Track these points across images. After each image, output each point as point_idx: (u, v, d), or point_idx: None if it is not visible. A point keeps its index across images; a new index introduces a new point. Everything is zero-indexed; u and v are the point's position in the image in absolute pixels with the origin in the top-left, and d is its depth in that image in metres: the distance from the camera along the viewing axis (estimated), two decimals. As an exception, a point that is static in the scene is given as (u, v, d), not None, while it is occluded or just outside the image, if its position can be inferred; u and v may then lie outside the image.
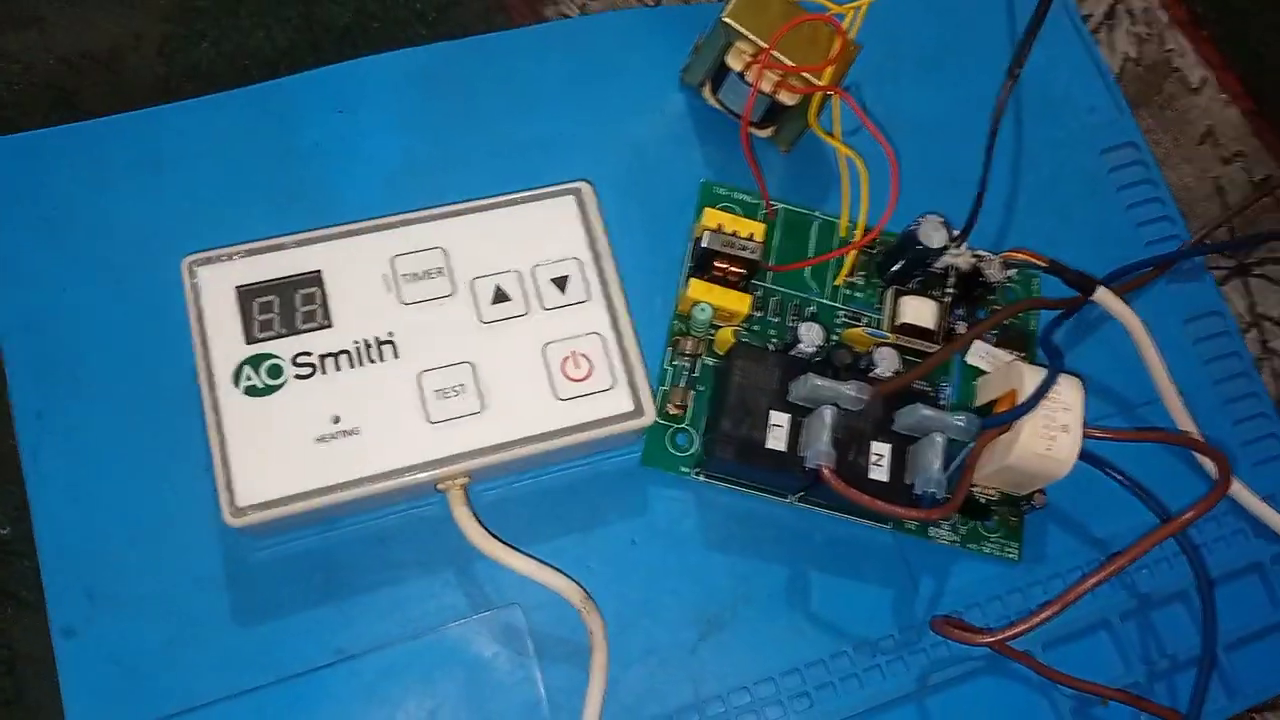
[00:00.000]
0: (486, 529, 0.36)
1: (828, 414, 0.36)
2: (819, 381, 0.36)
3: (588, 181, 0.40)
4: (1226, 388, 0.45)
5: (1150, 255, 0.45)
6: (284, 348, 0.36)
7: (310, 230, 0.38)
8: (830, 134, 0.43)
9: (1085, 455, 0.39)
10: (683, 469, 0.39)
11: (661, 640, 0.37)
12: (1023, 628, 0.36)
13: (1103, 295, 0.42)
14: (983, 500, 0.40)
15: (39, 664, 0.35)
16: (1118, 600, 0.41)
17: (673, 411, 0.39)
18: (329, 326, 0.36)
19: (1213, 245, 0.48)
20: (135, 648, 0.35)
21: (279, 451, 0.35)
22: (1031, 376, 0.38)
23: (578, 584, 0.36)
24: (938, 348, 0.41)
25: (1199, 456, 0.43)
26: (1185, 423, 0.43)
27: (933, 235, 0.40)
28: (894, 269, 0.42)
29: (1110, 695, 0.38)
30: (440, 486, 0.36)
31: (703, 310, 0.39)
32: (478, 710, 0.36)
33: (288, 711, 0.35)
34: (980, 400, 0.41)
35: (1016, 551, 0.40)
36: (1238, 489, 0.42)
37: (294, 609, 0.36)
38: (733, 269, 0.40)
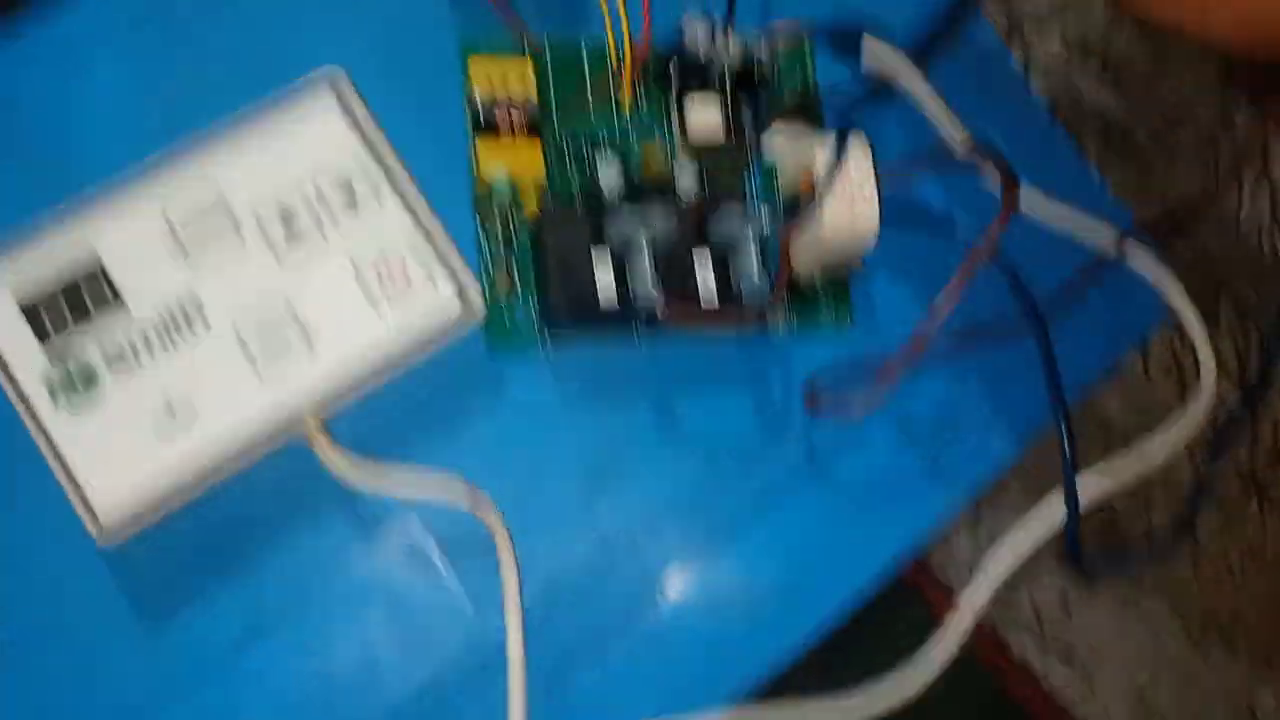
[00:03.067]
0: (356, 460, 0.36)
1: (645, 251, 0.37)
2: (627, 221, 0.37)
3: (339, 67, 0.37)
4: (999, 99, 0.47)
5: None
6: (89, 350, 0.34)
7: (69, 207, 0.35)
8: (572, -43, 0.41)
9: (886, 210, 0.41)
10: (528, 342, 0.39)
11: (555, 506, 0.39)
12: (882, 386, 0.38)
13: (870, 44, 0.42)
14: (805, 283, 0.42)
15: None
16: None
17: (502, 291, 0.39)
18: (126, 311, 0.34)
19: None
20: (56, 686, 0.34)
21: (123, 455, 0.33)
22: (821, 150, 0.39)
23: (460, 480, 0.37)
24: (730, 145, 0.42)
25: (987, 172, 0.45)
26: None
27: (698, 33, 0.40)
28: (670, 78, 0.42)
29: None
30: (298, 434, 0.36)
31: (500, 178, 0.38)
32: (407, 628, 0.37)
33: (227, 694, 0.35)
34: (784, 184, 0.42)
35: (849, 318, 0.43)
36: (1025, 193, 0.45)
37: (197, 595, 0.36)
38: (513, 116, 0.39)
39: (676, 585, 0.39)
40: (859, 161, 0.39)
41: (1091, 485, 0.41)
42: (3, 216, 0.35)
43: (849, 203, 0.39)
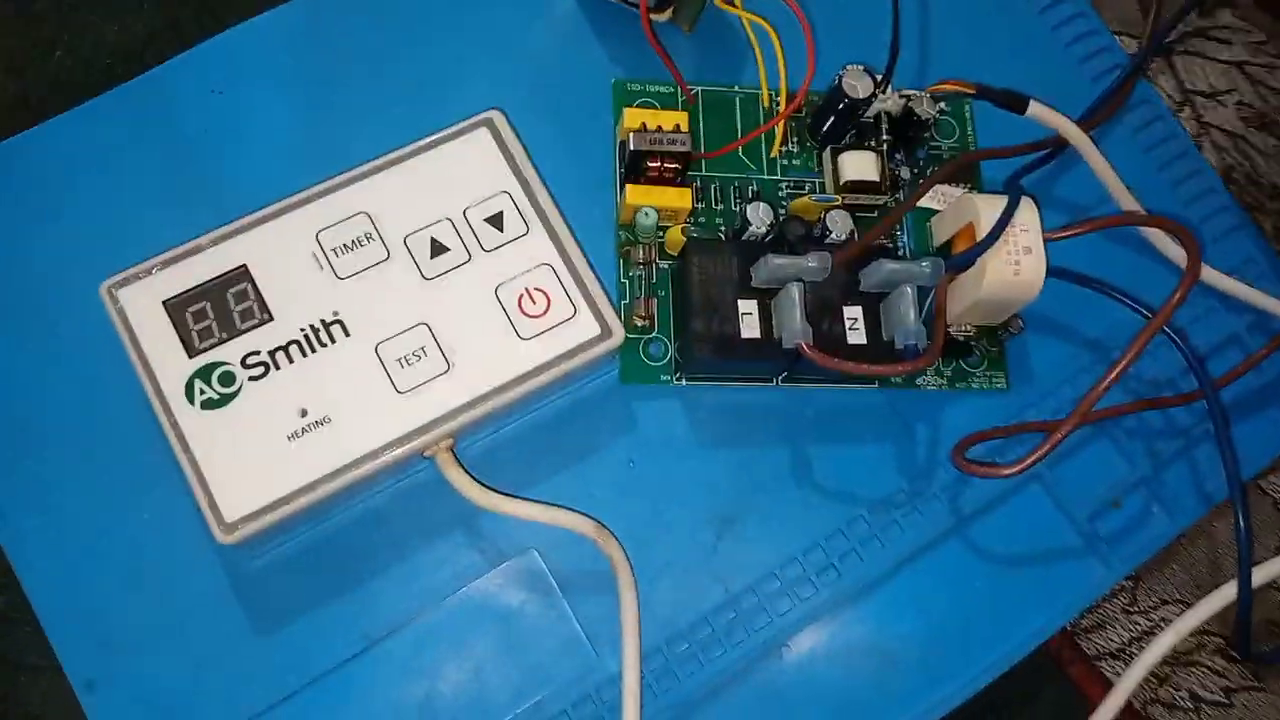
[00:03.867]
0: (483, 484, 0.35)
1: (795, 291, 0.35)
2: (779, 260, 0.35)
3: (498, 109, 0.38)
4: (1171, 171, 0.45)
5: (1080, 68, 0.45)
6: (230, 352, 0.34)
7: (224, 225, 0.36)
8: (731, 4, 0.41)
9: (1051, 270, 0.39)
10: (663, 378, 0.38)
11: (681, 549, 0.37)
12: (1044, 450, 0.36)
13: (1035, 109, 0.41)
14: (961, 338, 0.40)
15: (70, 724, 0.34)
16: (1109, 402, 0.41)
17: (639, 323, 0.38)
18: (270, 320, 0.35)
19: (1147, 50, 0.47)
20: (163, 684, 0.34)
21: (254, 458, 0.34)
22: (985, 206, 0.38)
23: (587, 515, 0.36)
24: (886, 198, 0.41)
25: (1158, 243, 0.42)
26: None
27: (858, 86, 0.39)
28: (826, 128, 0.41)
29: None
30: (427, 453, 0.35)
31: (646, 215, 0.38)
32: (520, 659, 0.35)
33: (331, 708, 0.35)
34: (938, 240, 0.41)
35: (1004, 380, 0.40)
36: (1209, 271, 0.43)
37: (310, 606, 0.36)
38: (666, 165, 0.38)
39: (803, 640, 0.37)
40: (1026, 219, 0.38)
41: (1265, 572, 0.38)
42: (163, 235, 0.36)
43: (1012, 260, 0.37)
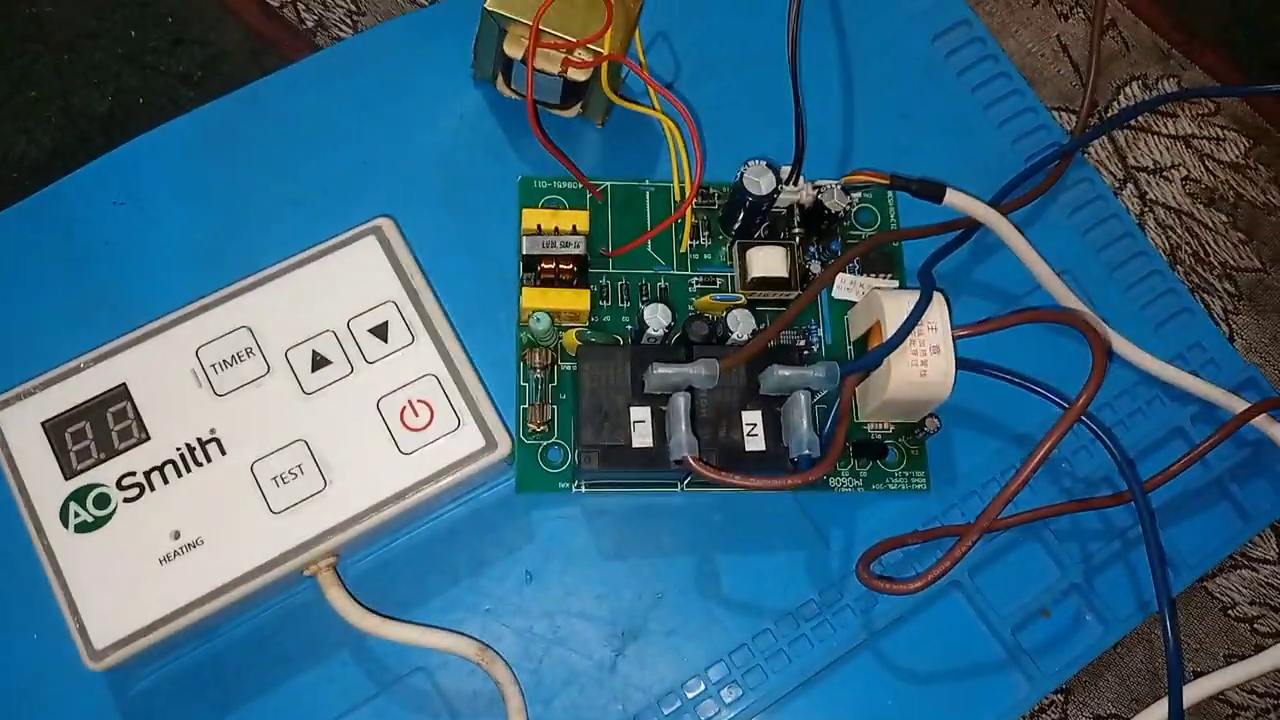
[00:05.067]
0: (364, 605, 0.34)
1: (680, 401, 0.34)
2: (664, 369, 0.34)
3: (387, 216, 0.37)
4: (1111, 253, 0.43)
5: (1017, 153, 0.43)
6: (106, 474, 0.34)
7: (109, 342, 0.35)
8: (630, 100, 0.40)
9: (967, 364, 0.38)
10: (562, 485, 0.37)
11: (578, 666, 0.36)
12: (946, 565, 0.34)
13: (953, 198, 0.39)
14: (877, 437, 0.39)
15: None
16: (1036, 503, 0.39)
17: (536, 429, 0.37)
18: (147, 440, 0.34)
19: (1088, 135, 0.44)
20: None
21: (125, 583, 0.33)
22: (891, 304, 0.36)
23: (469, 637, 0.35)
24: (796, 293, 0.39)
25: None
26: (1070, 301, 0.41)
27: (759, 182, 0.38)
28: (736, 223, 0.40)
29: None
30: (307, 572, 0.34)
31: (538, 320, 0.37)
32: (401, 791, 0.34)
33: (208, 841, 0.34)
34: (853, 335, 0.40)
35: (925, 480, 0.39)
36: (1138, 355, 0.41)
37: (194, 730, 0.35)
38: (561, 267, 0.37)
39: (700, 768, 0.35)
40: (934, 318, 0.36)
41: (1205, 685, 0.35)
42: (61, 352, 0.35)
43: (919, 361, 0.36)
